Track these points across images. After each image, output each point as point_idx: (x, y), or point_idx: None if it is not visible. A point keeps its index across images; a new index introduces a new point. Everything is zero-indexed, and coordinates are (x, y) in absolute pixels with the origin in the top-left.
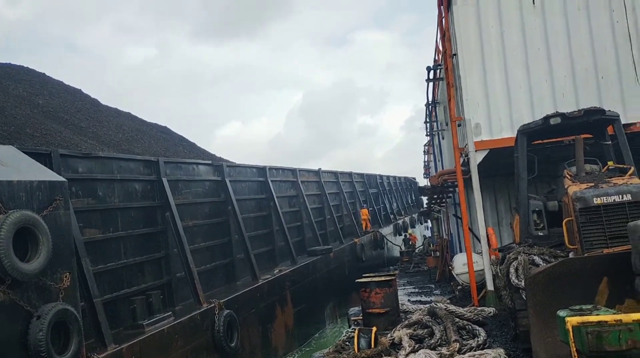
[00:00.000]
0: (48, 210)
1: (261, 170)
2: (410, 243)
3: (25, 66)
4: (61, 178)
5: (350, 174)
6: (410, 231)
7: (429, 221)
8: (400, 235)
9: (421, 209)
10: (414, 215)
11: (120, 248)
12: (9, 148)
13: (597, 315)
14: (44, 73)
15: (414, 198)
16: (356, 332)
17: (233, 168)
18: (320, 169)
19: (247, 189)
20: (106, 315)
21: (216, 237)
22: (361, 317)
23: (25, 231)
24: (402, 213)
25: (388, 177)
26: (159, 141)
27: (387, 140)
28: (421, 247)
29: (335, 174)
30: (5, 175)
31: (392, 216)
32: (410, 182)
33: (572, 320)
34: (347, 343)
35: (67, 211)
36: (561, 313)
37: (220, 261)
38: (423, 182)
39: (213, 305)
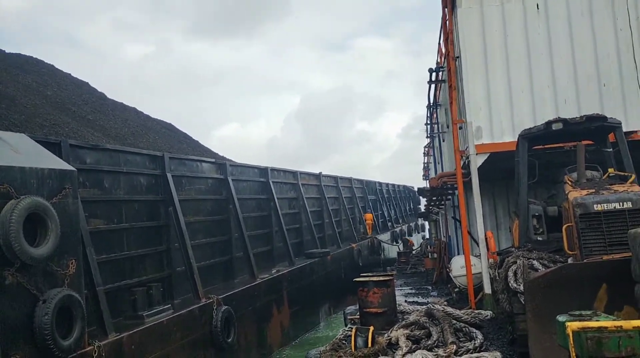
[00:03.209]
0: (57, 198)
1: (263, 171)
2: (408, 243)
3: (34, 56)
4: (71, 167)
5: (350, 179)
6: (407, 238)
7: (426, 223)
8: (397, 242)
9: (420, 211)
10: (411, 224)
11: (124, 240)
12: (21, 135)
13: (598, 320)
14: (52, 65)
15: (412, 206)
16: (353, 330)
17: (236, 167)
18: (320, 173)
19: (249, 189)
20: (107, 304)
21: (217, 234)
22: (358, 316)
23: (35, 217)
24: (400, 221)
25: (387, 185)
26: (164, 136)
27: (385, 147)
28: (419, 248)
29: (335, 179)
30: (17, 162)
31: (389, 224)
32: (409, 191)
33: (573, 325)
34: (344, 342)
35: (76, 200)
36: (561, 318)
37: (220, 258)
38: (422, 184)
39: (211, 300)
